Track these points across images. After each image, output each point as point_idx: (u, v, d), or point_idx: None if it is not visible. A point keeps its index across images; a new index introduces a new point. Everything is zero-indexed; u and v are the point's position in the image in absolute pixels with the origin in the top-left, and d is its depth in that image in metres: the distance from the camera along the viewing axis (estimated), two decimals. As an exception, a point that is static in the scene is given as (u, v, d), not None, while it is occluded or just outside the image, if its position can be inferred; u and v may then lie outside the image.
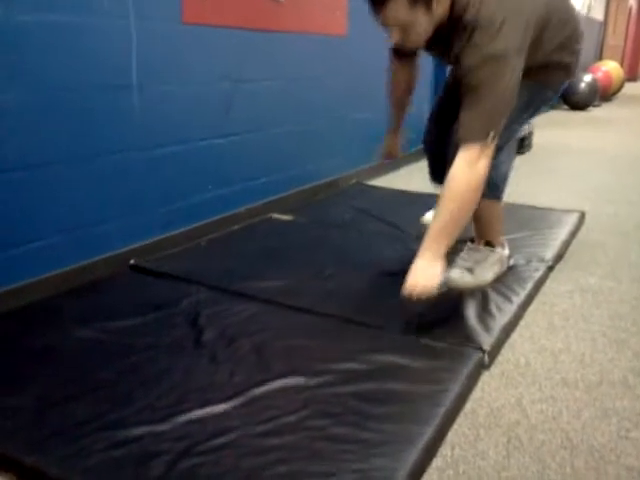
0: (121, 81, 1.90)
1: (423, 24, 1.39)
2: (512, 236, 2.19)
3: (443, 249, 1.45)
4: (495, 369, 1.47)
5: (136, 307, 1.67)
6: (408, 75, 1.91)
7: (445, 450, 1.17)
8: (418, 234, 2.21)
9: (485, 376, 1.43)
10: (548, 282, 1.98)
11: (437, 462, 1.13)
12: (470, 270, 1.81)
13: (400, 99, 1.96)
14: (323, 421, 1.18)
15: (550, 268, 2.04)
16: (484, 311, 1.67)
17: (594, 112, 7.19)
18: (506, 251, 1.95)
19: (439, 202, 1.46)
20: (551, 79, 1.71)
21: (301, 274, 1.91)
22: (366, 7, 1.43)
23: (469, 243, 1.92)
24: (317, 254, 2.11)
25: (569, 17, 1.64)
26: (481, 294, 1.78)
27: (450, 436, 1.21)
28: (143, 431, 1.13)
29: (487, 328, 1.57)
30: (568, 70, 1.70)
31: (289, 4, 2.59)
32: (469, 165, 1.41)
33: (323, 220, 2.55)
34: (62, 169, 1.76)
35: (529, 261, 2.05)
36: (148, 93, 1.99)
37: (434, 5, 1.36)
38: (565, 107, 7.47)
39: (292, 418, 1.19)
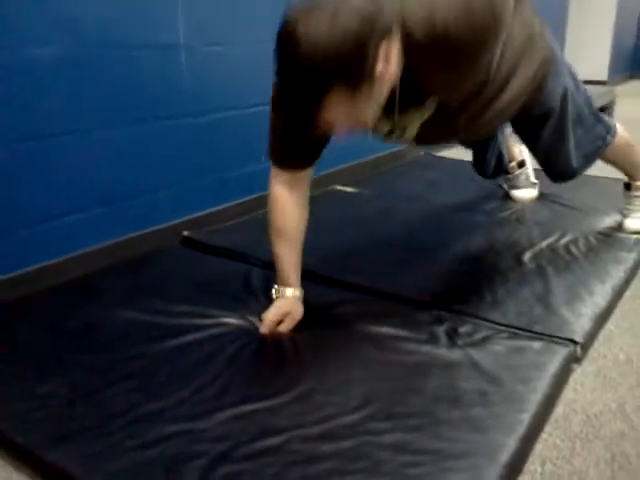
0: (167, 40, 1.75)
1: (374, 99, 0.99)
2: (603, 213, 1.97)
3: None
4: (589, 366, 1.25)
5: (185, 284, 1.54)
6: (302, 198, 1.38)
7: (534, 465, 0.97)
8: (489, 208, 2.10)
9: (578, 374, 1.22)
10: (647, 264, 1.72)
11: (524, 480, 0.94)
12: None
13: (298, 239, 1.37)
14: (386, 423, 1.01)
15: (648, 248, 1.78)
16: (573, 295, 1.44)
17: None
18: None
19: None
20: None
21: (368, 249, 1.73)
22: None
23: (625, 192, 1.86)
24: (385, 227, 1.93)
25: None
26: (569, 274, 1.55)
27: (539, 448, 1.01)
28: (178, 428, 0.99)
29: (578, 315, 1.35)
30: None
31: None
32: None
33: (390, 192, 2.35)
34: (105, 134, 1.63)
35: (622, 241, 1.79)
36: (196, 54, 1.84)
37: (381, 67, 0.94)
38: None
39: (350, 418, 1.02)
